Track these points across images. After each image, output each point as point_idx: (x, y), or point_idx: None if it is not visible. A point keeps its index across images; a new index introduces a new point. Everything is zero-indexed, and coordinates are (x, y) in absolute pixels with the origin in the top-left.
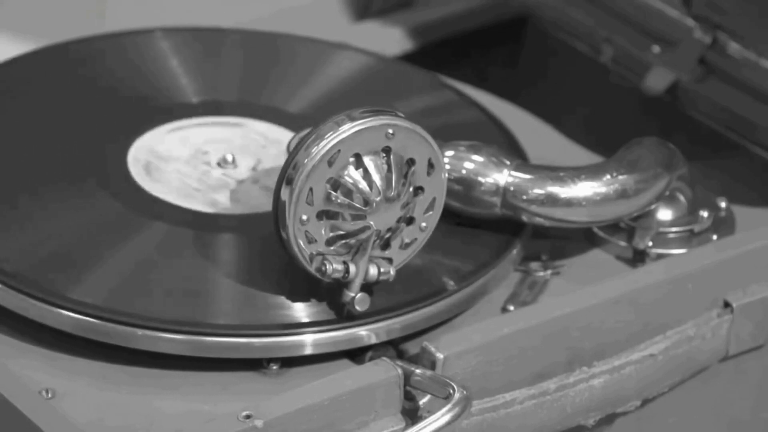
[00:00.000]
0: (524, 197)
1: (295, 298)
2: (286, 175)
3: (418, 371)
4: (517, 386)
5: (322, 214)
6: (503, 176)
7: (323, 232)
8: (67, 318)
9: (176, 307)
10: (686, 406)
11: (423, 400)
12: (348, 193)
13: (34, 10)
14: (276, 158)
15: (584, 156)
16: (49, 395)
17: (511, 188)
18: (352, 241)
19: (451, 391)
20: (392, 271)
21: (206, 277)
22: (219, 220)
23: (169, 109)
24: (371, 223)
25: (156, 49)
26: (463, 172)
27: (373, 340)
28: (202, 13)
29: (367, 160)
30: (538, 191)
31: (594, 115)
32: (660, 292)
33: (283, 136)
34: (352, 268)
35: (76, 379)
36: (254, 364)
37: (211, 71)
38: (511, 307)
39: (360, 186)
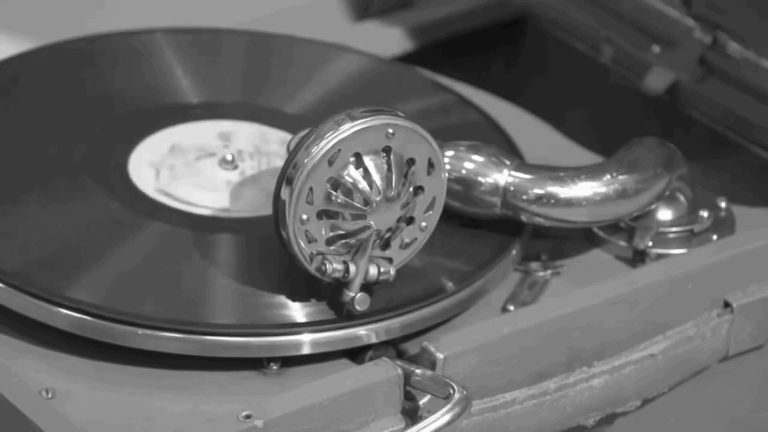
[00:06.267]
0: (524, 197)
1: (294, 298)
2: (287, 175)
3: (418, 371)
4: (517, 386)
5: (322, 214)
6: (503, 176)
7: (323, 231)
8: (66, 317)
9: (176, 307)
10: (686, 406)
11: (423, 400)
12: (348, 192)
13: (33, 10)
14: (276, 158)
15: (584, 156)
16: (49, 395)
17: (511, 188)
18: (352, 240)
19: (451, 391)
20: (392, 271)
21: (206, 277)
22: (219, 221)
23: (168, 110)
24: (371, 222)
25: (155, 50)
26: (463, 172)
27: (373, 340)
28: (201, 13)
29: (367, 160)
30: (538, 191)
31: (594, 115)
32: (660, 292)
33: (283, 136)
34: (352, 267)
35: (76, 379)
36: (254, 364)
37: (211, 72)
38: (511, 307)
39: (360, 186)
